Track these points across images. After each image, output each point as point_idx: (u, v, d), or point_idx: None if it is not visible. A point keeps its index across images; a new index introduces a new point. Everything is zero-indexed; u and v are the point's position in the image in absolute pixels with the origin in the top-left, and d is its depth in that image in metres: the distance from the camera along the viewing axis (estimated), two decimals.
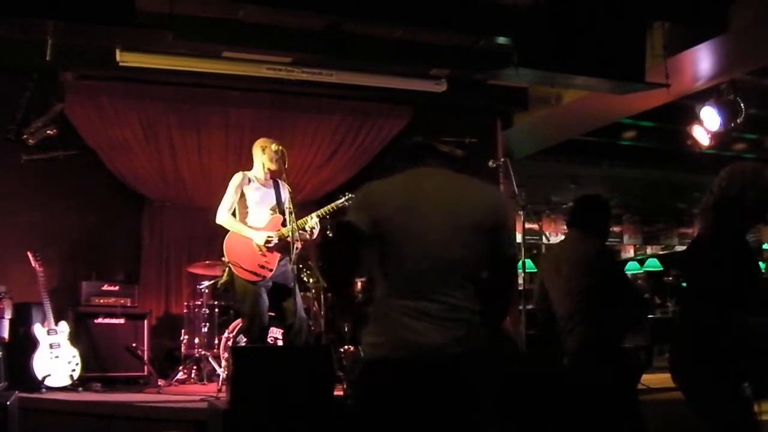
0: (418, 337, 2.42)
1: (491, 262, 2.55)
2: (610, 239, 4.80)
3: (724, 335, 3.08)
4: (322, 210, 5.45)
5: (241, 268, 5.28)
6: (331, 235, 2.52)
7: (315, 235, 5.35)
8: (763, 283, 3.24)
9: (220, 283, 5.76)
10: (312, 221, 5.34)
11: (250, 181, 5.44)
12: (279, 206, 5.45)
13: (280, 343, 5.79)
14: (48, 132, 6.51)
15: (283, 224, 5.35)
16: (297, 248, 5.11)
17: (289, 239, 5.20)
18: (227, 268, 5.50)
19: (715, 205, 3.21)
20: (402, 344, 2.43)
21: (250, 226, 5.39)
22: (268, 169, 5.45)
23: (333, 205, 5.46)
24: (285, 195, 5.43)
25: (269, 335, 5.88)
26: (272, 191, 5.46)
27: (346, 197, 5.41)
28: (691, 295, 3.31)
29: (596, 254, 4.01)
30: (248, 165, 5.63)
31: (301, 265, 5.62)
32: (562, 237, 13.53)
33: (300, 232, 5.28)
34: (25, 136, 6.51)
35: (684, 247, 3.83)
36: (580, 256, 4.03)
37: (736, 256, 3.17)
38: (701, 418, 3.14)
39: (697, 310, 3.22)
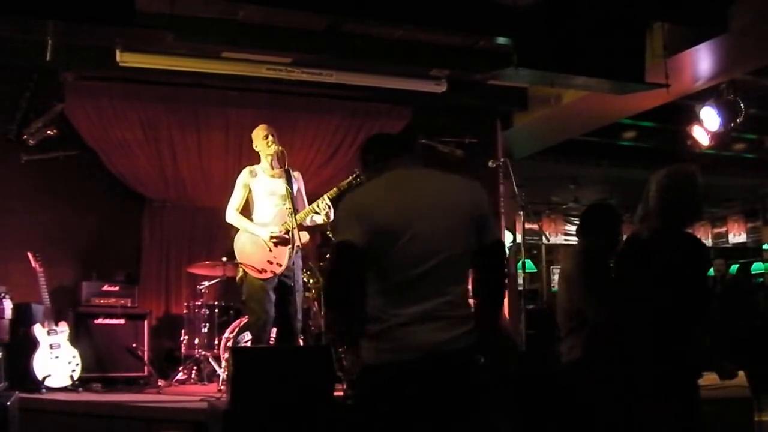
0: (418, 337, 2.44)
1: (481, 248, 2.59)
2: None
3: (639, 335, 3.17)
4: (331, 191, 5.34)
5: (252, 267, 5.29)
6: (331, 260, 2.49)
7: (331, 217, 5.22)
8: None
9: (238, 278, 5.73)
10: (323, 203, 5.29)
11: (256, 174, 5.43)
12: (290, 199, 5.24)
13: None
14: (48, 132, 6.52)
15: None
16: (299, 243, 5.08)
17: (294, 232, 5.14)
18: (241, 269, 5.49)
19: (657, 207, 3.33)
20: (407, 347, 2.45)
21: (257, 222, 5.37)
22: (267, 156, 5.38)
23: (344, 183, 5.26)
24: (299, 186, 5.43)
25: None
26: (281, 182, 5.33)
27: (355, 175, 5.18)
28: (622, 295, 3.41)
29: (586, 262, 3.97)
30: (248, 164, 5.61)
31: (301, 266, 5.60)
32: (562, 237, 13.52)
33: (313, 215, 5.29)
34: (25, 137, 6.51)
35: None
36: (572, 264, 4.06)
37: (669, 257, 3.26)
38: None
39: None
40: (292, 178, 5.40)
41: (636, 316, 3.28)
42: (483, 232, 2.59)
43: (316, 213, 5.27)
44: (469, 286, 2.69)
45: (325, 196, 5.28)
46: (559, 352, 4.03)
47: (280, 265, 5.26)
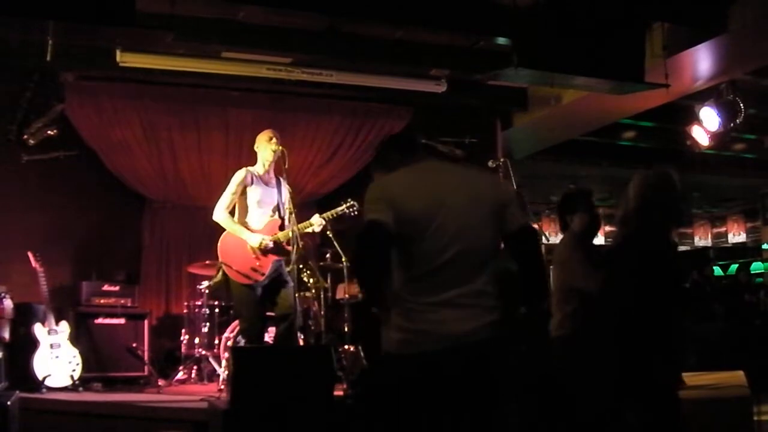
0: (444, 327, 2.47)
1: (507, 236, 2.62)
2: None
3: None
4: (326, 214, 5.41)
5: (234, 269, 5.20)
6: (359, 238, 2.54)
7: (320, 230, 5.38)
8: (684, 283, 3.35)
9: (213, 281, 5.73)
10: (317, 220, 5.34)
11: (253, 179, 5.33)
12: (280, 208, 5.35)
13: None
14: (48, 132, 6.51)
15: (281, 228, 5.29)
16: (296, 251, 5.09)
17: (284, 244, 5.17)
18: (221, 269, 5.44)
19: (637, 210, 3.35)
20: (429, 337, 2.48)
21: (247, 227, 5.31)
22: (268, 162, 5.34)
23: (335, 211, 5.40)
24: (285, 195, 5.39)
25: (268, 334, 5.87)
26: (275, 191, 5.36)
27: (348, 204, 5.38)
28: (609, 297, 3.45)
29: (573, 246, 4.12)
30: (248, 165, 5.60)
31: (301, 265, 5.60)
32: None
33: (304, 231, 5.29)
34: (25, 137, 6.50)
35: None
36: (561, 249, 4.18)
37: (654, 260, 3.28)
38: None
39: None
40: (282, 186, 5.39)
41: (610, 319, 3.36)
42: (507, 219, 2.61)
43: (311, 225, 5.33)
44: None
45: (316, 216, 5.37)
46: (550, 327, 4.11)
47: (264, 275, 5.18)
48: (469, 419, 2.47)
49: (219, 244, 5.33)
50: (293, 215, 5.16)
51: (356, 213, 5.28)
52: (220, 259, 5.33)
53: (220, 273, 5.46)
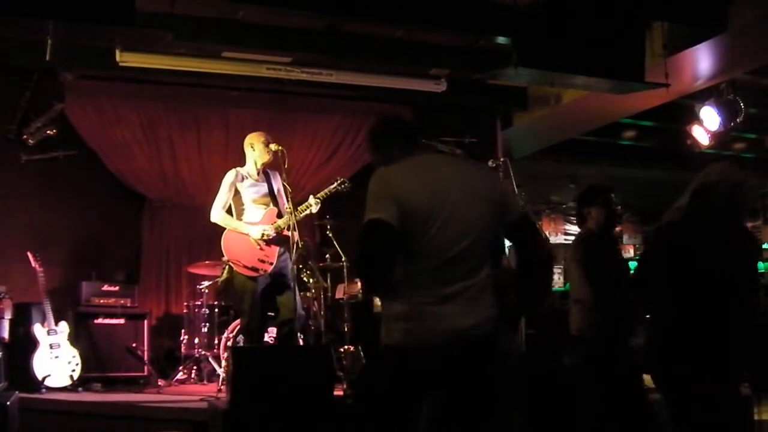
0: (448, 320, 2.48)
1: (510, 226, 2.65)
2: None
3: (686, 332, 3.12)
4: (320, 194, 5.42)
5: (242, 265, 5.25)
6: (364, 239, 2.40)
7: (317, 209, 5.41)
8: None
9: (220, 281, 5.74)
10: (313, 201, 5.36)
11: (243, 178, 5.40)
12: (272, 199, 5.43)
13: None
14: (48, 132, 6.51)
15: (279, 216, 5.35)
16: (296, 242, 5.09)
17: (286, 232, 5.19)
18: (227, 267, 5.45)
19: (693, 194, 3.39)
20: (434, 330, 2.48)
21: (246, 222, 5.36)
22: (262, 163, 5.42)
23: (328, 190, 5.44)
24: (277, 185, 5.43)
25: (267, 334, 5.87)
26: (264, 185, 5.43)
27: (339, 181, 5.44)
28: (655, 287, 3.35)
29: (574, 247, 4.19)
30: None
31: (301, 266, 5.61)
32: (562, 237, 13.48)
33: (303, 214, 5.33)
34: (25, 137, 6.51)
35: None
36: (570, 252, 4.23)
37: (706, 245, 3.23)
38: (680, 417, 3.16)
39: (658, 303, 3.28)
40: (272, 178, 5.45)
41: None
42: (507, 210, 2.64)
43: (308, 207, 5.36)
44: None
45: (311, 197, 5.39)
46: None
47: (272, 264, 5.25)
48: (467, 411, 2.50)
49: (222, 243, 5.37)
50: (292, 213, 5.16)
51: (348, 189, 5.40)
52: (225, 258, 5.35)
53: (226, 271, 5.47)
